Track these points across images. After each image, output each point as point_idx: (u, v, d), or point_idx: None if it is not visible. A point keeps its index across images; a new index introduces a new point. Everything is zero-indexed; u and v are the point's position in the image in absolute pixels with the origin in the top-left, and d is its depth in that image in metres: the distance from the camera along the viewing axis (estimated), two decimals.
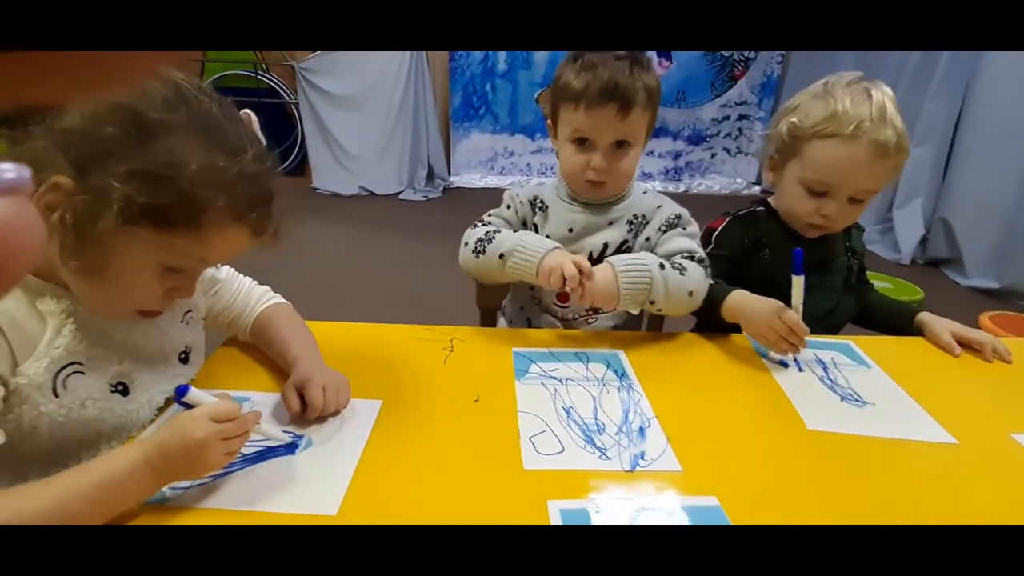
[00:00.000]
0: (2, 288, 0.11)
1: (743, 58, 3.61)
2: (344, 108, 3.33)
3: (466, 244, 0.84)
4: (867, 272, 1.00)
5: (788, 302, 0.74)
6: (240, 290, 0.71)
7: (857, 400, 0.69)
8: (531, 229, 0.90)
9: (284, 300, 0.74)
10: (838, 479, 0.56)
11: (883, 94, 0.79)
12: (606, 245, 0.87)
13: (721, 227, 0.91)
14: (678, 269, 0.78)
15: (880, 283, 2.44)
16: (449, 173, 3.68)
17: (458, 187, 3.60)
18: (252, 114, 0.53)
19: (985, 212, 2.38)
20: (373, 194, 3.43)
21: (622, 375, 0.73)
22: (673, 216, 0.87)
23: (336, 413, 0.60)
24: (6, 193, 0.11)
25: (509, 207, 0.90)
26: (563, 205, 0.88)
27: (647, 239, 0.87)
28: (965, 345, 0.82)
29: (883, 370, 0.76)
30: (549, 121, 0.87)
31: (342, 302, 2.13)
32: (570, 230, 0.87)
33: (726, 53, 3.59)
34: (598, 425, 0.62)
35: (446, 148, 3.63)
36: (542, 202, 0.89)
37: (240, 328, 0.70)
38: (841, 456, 0.59)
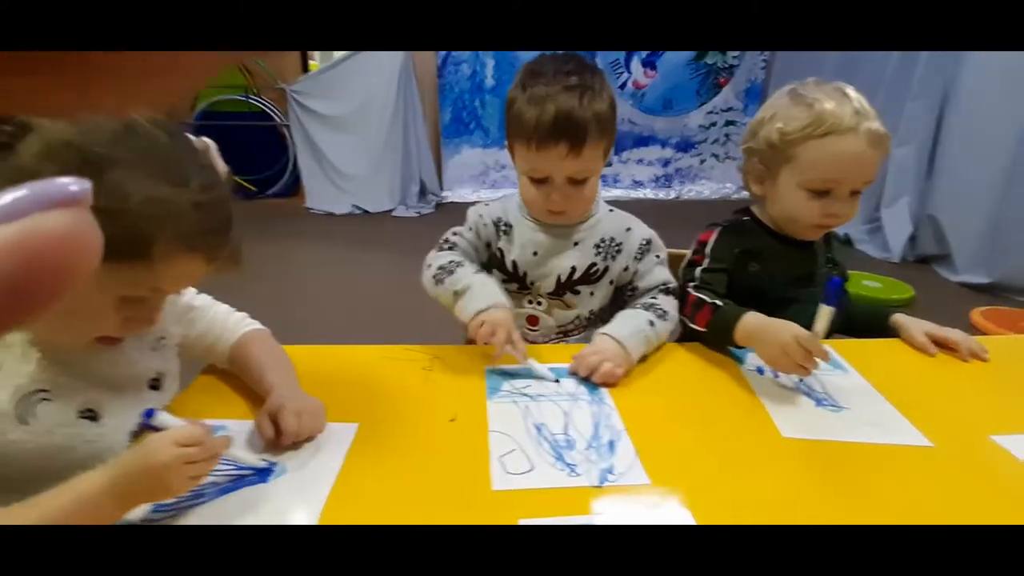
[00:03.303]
0: (67, 292, 0.12)
1: (727, 65, 3.64)
2: (335, 128, 3.36)
3: (428, 266, 0.84)
4: (858, 272, 1.00)
5: (797, 320, 0.72)
6: (216, 317, 0.70)
7: (833, 405, 0.68)
8: (496, 253, 0.89)
9: (261, 326, 0.73)
10: (813, 488, 0.56)
11: (853, 91, 0.79)
12: (573, 269, 0.86)
13: (713, 239, 0.89)
14: (661, 316, 0.80)
15: (871, 283, 2.44)
16: (441, 188, 3.70)
17: (451, 202, 3.61)
18: (210, 142, 0.53)
19: (971, 207, 2.38)
20: (366, 212, 3.44)
21: (593, 389, 0.72)
22: (644, 241, 0.87)
23: (311, 439, 0.60)
24: (71, 204, 0.12)
25: (472, 229, 0.89)
26: (527, 225, 0.87)
27: (625, 268, 0.87)
28: (941, 345, 0.81)
29: (860, 373, 0.75)
30: (507, 143, 0.86)
31: (335, 321, 2.12)
32: (535, 253, 0.86)
33: (710, 61, 3.62)
34: (568, 441, 0.61)
35: (437, 164, 3.66)
36: (507, 224, 0.88)
37: (218, 355, 0.70)
38: (816, 464, 0.59)
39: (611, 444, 0.61)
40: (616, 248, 0.87)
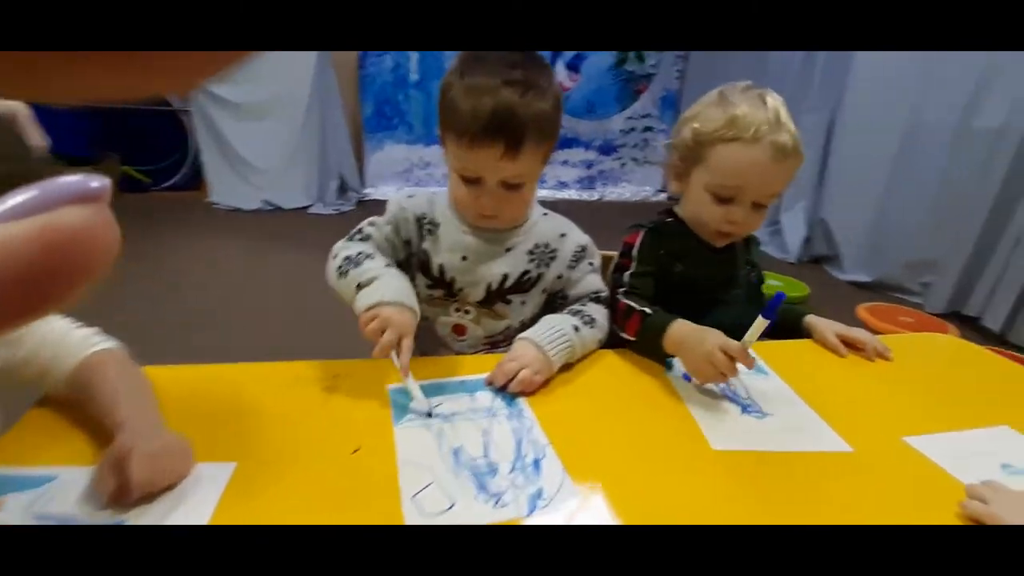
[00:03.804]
0: (85, 284, 0.12)
1: (645, 73, 3.75)
2: (243, 117, 3.07)
3: (334, 257, 0.74)
4: (763, 271, 1.01)
5: (721, 322, 0.71)
6: (50, 335, 0.56)
7: (758, 412, 0.67)
8: (420, 254, 0.80)
9: (113, 345, 0.59)
10: (743, 500, 0.53)
11: (775, 100, 0.79)
12: (505, 277, 0.79)
13: (639, 242, 0.86)
14: (588, 323, 0.75)
15: (772, 281, 2.59)
16: (363, 185, 3.51)
17: (374, 199, 3.44)
18: (21, 107, 0.41)
19: (856, 212, 2.60)
20: (279, 208, 3.19)
21: (511, 401, 0.66)
22: (579, 248, 0.82)
23: (171, 487, 0.48)
24: (90, 200, 0.12)
25: (391, 223, 0.80)
26: (456, 227, 0.79)
27: (559, 276, 0.81)
28: (849, 345, 0.83)
29: (779, 376, 0.75)
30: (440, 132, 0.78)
31: (231, 333, 1.90)
32: (464, 258, 0.78)
33: (629, 68, 3.72)
34: (490, 466, 0.55)
35: (359, 159, 3.46)
36: (432, 222, 0.80)
37: (54, 382, 0.56)
38: (746, 475, 0.56)
39: (536, 463, 0.55)
40: (550, 255, 0.81)
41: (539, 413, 0.64)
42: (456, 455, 0.56)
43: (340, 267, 0.72)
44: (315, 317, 2.03)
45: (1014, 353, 1.56)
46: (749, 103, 0.77)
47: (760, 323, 0.65)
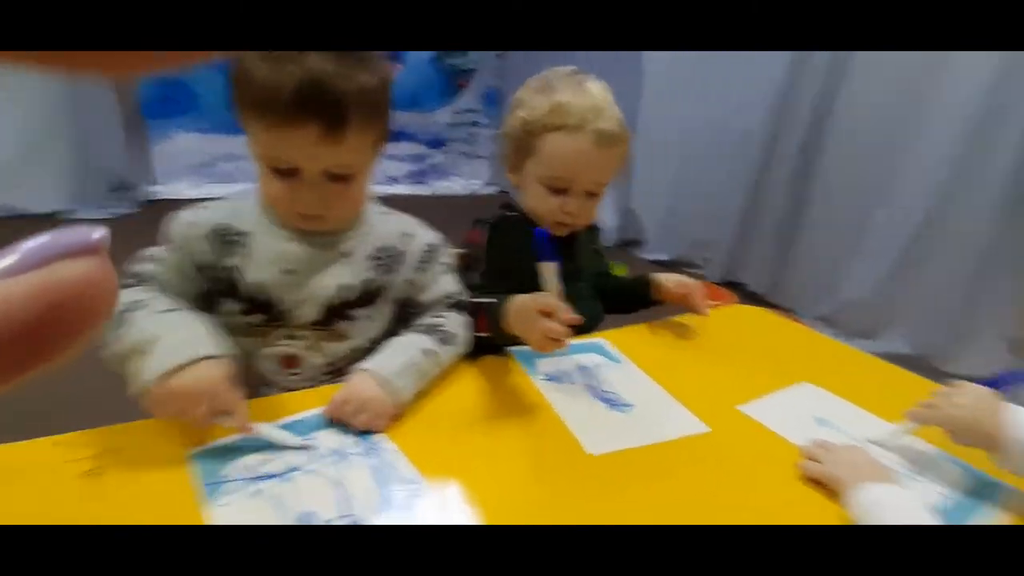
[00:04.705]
0: (87, 338, 0.12)
1: (467, 68, 3.73)
2: None
3: None
4: None
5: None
6: None
7: (623, 404, 0.65)
8: (223, 276, 0.62)
9: None
10: (624, 503, 0.50)
11: (598, 85, 0.78)
12: (345, 288, 0.65)
13: (486, 240, 0.80)
14: (444, 340, 0.65)
15: None
16: (152, 182, 2.86)
17: (165, 199, 2.82)
18: None
19: (655, 199, 2.95)
20: (20, 216, 2.42)
21: (363, 435, 0.55)
22: (428, 248, 0.71)
23: None
24: (91, 252, 0.12)
25: (176, 249, 0.61)
26: (272, 233, 0.63)
27: (408, 282, 0.69)
28: (685, 294, 0.86)
29: (632, 362, 0.76)
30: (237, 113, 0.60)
31: None
32: (288, 271, 0.62)
33: (451, 60, 3.66)
34: (356, 524, 0.43)
35: (138, 151, 2.80)
36: (237, 232, 0.62)
37: None
38: (623, 477, 0.54)
39: (410, 505, 0.46)
40: (395, 258, 0.68)
41: (401, 443, 0.54)
42: (307, 522, 0.43)
43: (105, 332, 0.52)
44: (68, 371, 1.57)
45: (783, 311, 1.92)
46: (572, 90, 0.75)
47: (545, 268, 0.62)
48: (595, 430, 0.60)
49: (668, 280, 0.89)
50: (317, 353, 0.66)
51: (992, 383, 0.55)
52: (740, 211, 2.57)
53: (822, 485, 0.52)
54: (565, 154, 0.74)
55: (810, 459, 0.55)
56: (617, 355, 0.78)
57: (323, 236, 0.64)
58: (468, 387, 0.66)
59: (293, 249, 0.63)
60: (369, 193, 0.67)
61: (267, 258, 0.62)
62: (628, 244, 3.22)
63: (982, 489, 0.53)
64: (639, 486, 0.53)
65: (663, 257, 2.97)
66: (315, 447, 0.53)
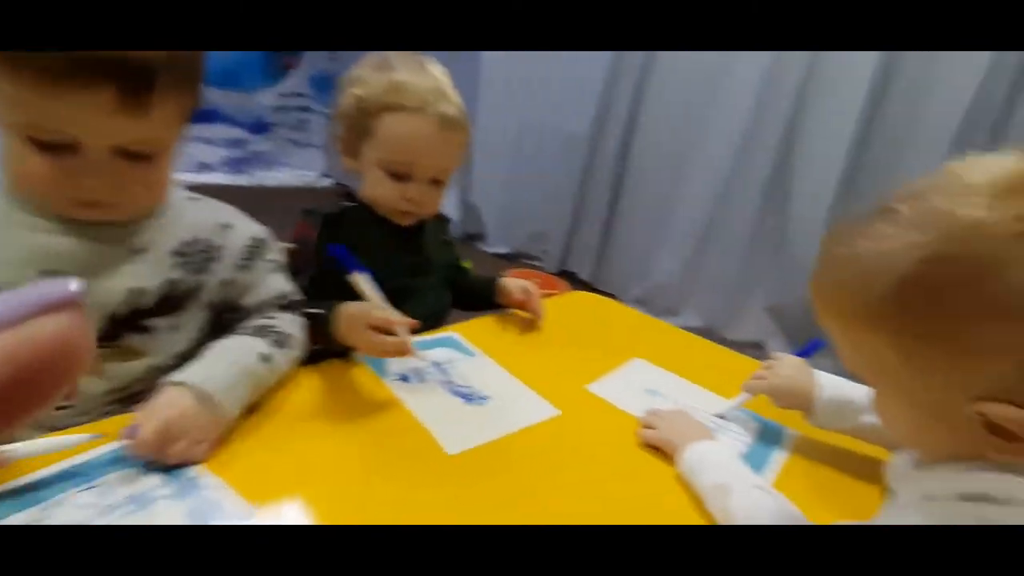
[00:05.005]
0: (64, 394, 0.13)
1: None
2: None
3: None
4: None
5: (416, 311, 0.64)
6: None
7: (479, 398, 0.64)
8: None
9: None
10: (484, 497, 0.49)
11: (436, 68, 0.74)
12: (137, 292, 0.51)
13: (314, 234, 0.71)
14: (279, 343, 0.56)
15: None
16: None
17: None
18: None
19: (494, 193, 3.04)
20: None
21: (173, 468, 0.45)
22: (252, 242, 0.60)
23: None
24: (66, 307, 0.12)
25: None
26: (21, 224, 0.47)
27: (227, 282, 0.57)
28: (524, 301, 0.85)
29: (485, 354, 0.75)
30: None
31: None
32: (48, 271, 0.46)
33: None
34: None
35: None
36: None
37: None
38: (482, 470, 0.52)
39: None
40: (209, 255, 0.56)
41: (227, 473, 0.45)
42: None
43: None
44: None
45: (607, 295, 2.12)
46: (412, 70, 0.71)
47: (358, 279, 0.61)
48: (453, 427, 0.57)
49: (511, 285, 0.87)
50: (99, 379, 0.51)
51: (800, 353, 0.65)
52: (571, 205, 2.79)
53: (658, 449, 0.57)
54: (405, 137, 0.70)
55: (646, 427, 0.60)
56: (470, 348, 0.76)
57: (106, 228, 0.50)
58: (309, 395, 0.58)
59: (57, 244, 0.47)
60: (173, 177, 0.54)
61: (15, 257, 0.46)
62: (470, 238, 3.27)
63: (773, 435, 0.64)
64: (498, 478, 0.52)
65: (503, 250, 3.07)
66: (103, 492, 0.41)
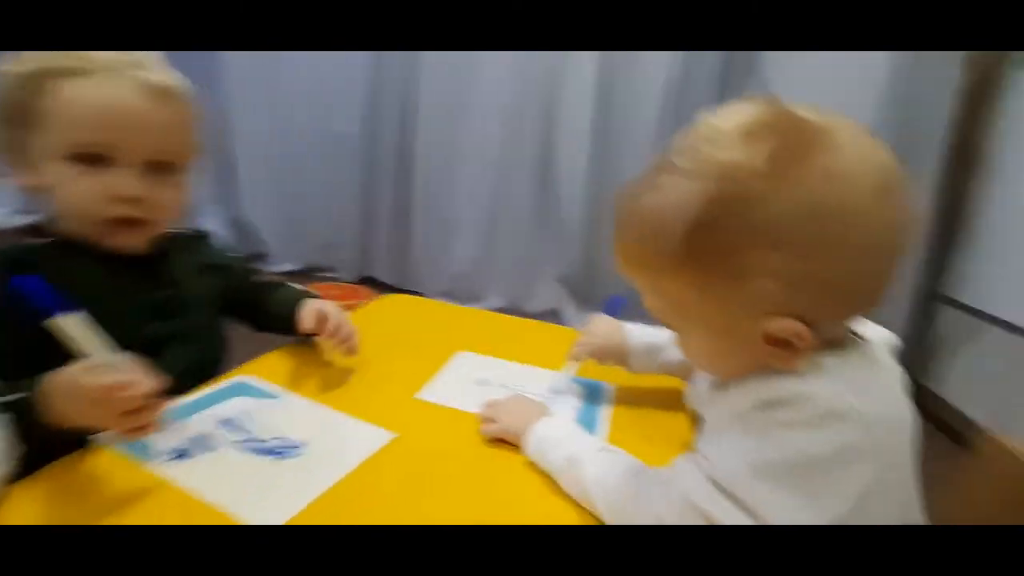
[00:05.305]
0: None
1: None
2: None
3: None
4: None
5: (175, 367, 0.48)
6: None
7: (293, 448, 0.52)
8: None
9: None
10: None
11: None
12: None
13: None
14: None
15: None
16: None
17: None
18: None
19: (270, 208, 2.68)
20: None
21: None
22: None
23: None
24: None
25: None
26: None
27: None
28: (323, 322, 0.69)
29: (291, 391, 0.62)
30: None
31: None
32: None
33: None
34: None
35: None
36: None
37: None
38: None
39: None
40: None
41: None
42: None
43: None
44: None
45: (415, 295, 2.07)
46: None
47: (62, 322, 0.40)
48: (268, 495, 0.45)
49: (303, 313, 0.66)
50: None
51: (608, 312, 0.69)
52: (359, 208, 2.63)
53: (505, 441, 0.55)
54: (95, 105, 0.51)
55: (486, 421, 0.57)
56: (269, 389, 0.62)
57: None
58: (34, 515, 0.39)
59: None
60: None
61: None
62: (249, 259, 2.83)
63: (595, 394, 0.68)
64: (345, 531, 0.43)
65: (291, 267, 2.75)
66: None
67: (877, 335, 0.40)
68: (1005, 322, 1.55)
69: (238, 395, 0.60)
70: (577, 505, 0.47)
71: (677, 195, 0.35)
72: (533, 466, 0.52)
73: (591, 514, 0.46)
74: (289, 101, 2.49)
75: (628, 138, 2.23)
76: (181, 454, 0.49)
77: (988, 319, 1.61)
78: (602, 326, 0.66)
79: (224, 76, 2.48)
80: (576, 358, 0.67)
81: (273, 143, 2.57)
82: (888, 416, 0.36)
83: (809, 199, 0.33)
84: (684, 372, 0.63)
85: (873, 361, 0.39)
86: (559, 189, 2.37)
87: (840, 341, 0.39)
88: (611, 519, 0.44)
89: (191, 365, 0.58)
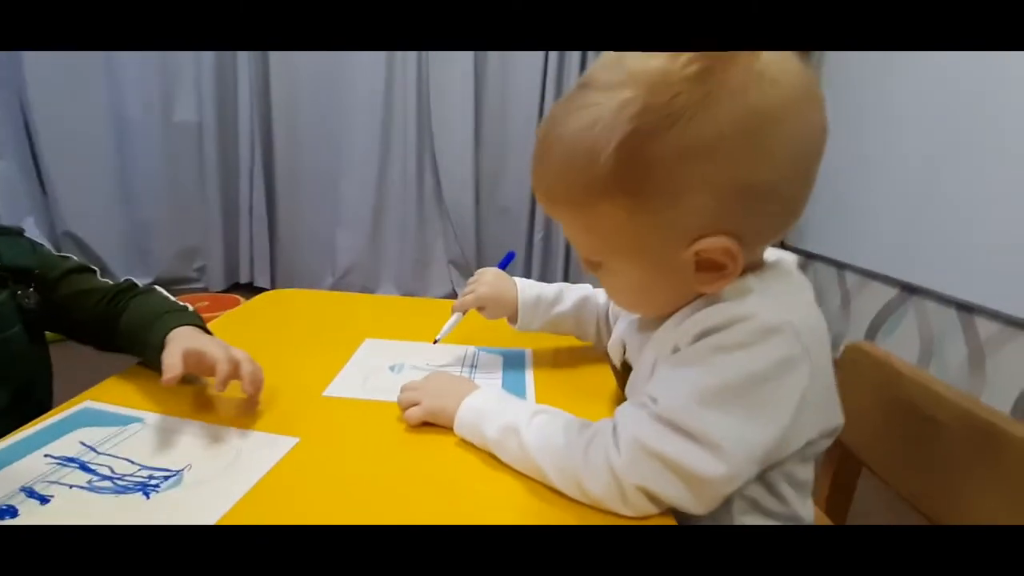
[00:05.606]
0: None
1: None
2: None
3: None
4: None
5: None
6: None
7: (170, 479, 0.42)
8: None
9: None
10: None
11: None
12: None
13: None
14: None
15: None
16: None
17: None
18: None
19: (96, 218, 2.24)
20: None
21: None
22: None
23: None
24: None
25: None
26: None
27: None
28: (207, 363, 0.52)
29: (154, 412, 0.50)
30: None
31: None
32: None
33: None
34: None
35: None
36: None
37: None
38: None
39: None
40: None
41: None
42: None
43: None
44: None
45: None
46: None
47: None
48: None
49: (170, 359, 0.48)
50: None
51: (500, 265, 0.66)
52: (220, 211, 2.31)
53: (432, 424, 0.50)
54: None
55: (408, 406, 0.51)
56: (128, 413, 0.50)
57: None
58: None
59: None
60: None
61: None
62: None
63: (515, 360, 0.65)
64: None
65: (140, 279, 2.34)
66: None
67: (781, 255, 0.42)
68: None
69: (80, 426, 0.47)
70: (523, 479, 0.43)
71: (605, 110, 0.33)
72: (465, 445, 0.47)
73: (538, 487, 0.42)
74: (109, 86, 2.09)
75: (509, 116, 2.23)
76: (5, 511, 0.36)
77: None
78: (488, 276, 0.63)
79: (20, 59, 1.99)
80: (461, 308, 0.63)
81: (92, 136, 2.13)
82: (812, 326, 0.37)
83: (744, 102, 0.32)
84: (574, 328, 0.62)
85: (789, 277, 0.40)
86: (443, 169, 2.30)
87: (759, 264, 0.39)
88: (559, 480, 0.40)
89: None
